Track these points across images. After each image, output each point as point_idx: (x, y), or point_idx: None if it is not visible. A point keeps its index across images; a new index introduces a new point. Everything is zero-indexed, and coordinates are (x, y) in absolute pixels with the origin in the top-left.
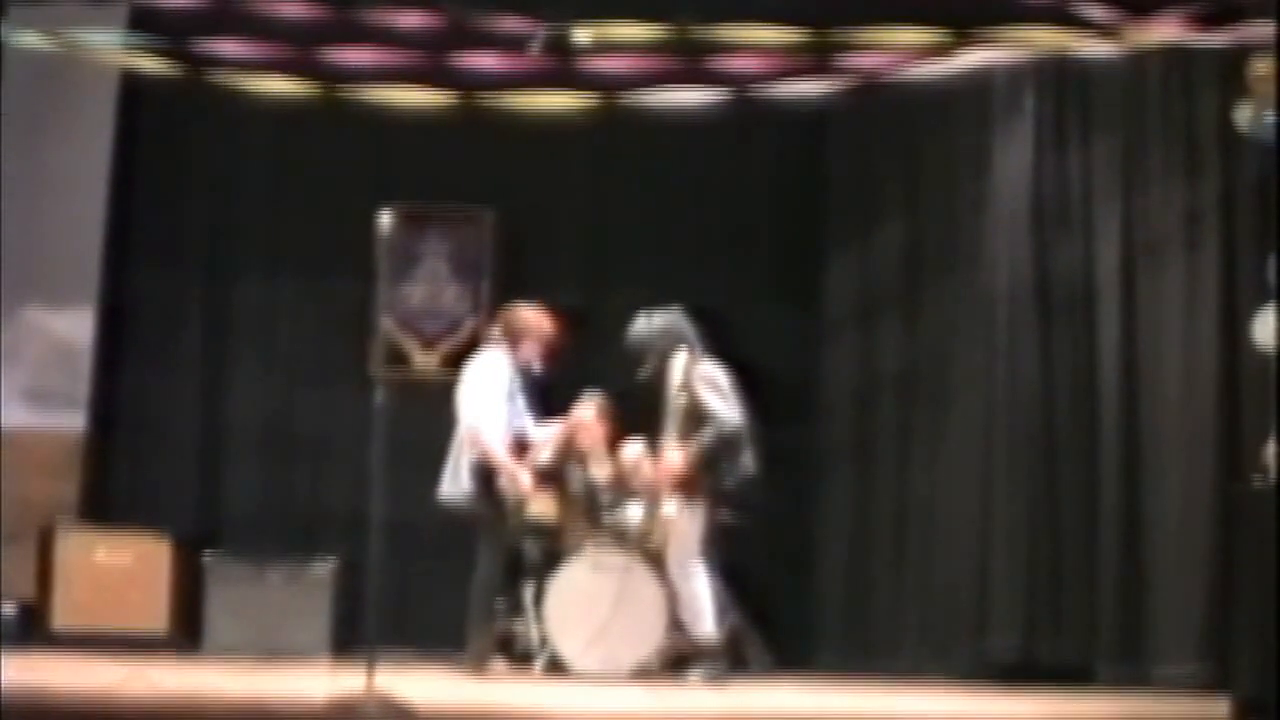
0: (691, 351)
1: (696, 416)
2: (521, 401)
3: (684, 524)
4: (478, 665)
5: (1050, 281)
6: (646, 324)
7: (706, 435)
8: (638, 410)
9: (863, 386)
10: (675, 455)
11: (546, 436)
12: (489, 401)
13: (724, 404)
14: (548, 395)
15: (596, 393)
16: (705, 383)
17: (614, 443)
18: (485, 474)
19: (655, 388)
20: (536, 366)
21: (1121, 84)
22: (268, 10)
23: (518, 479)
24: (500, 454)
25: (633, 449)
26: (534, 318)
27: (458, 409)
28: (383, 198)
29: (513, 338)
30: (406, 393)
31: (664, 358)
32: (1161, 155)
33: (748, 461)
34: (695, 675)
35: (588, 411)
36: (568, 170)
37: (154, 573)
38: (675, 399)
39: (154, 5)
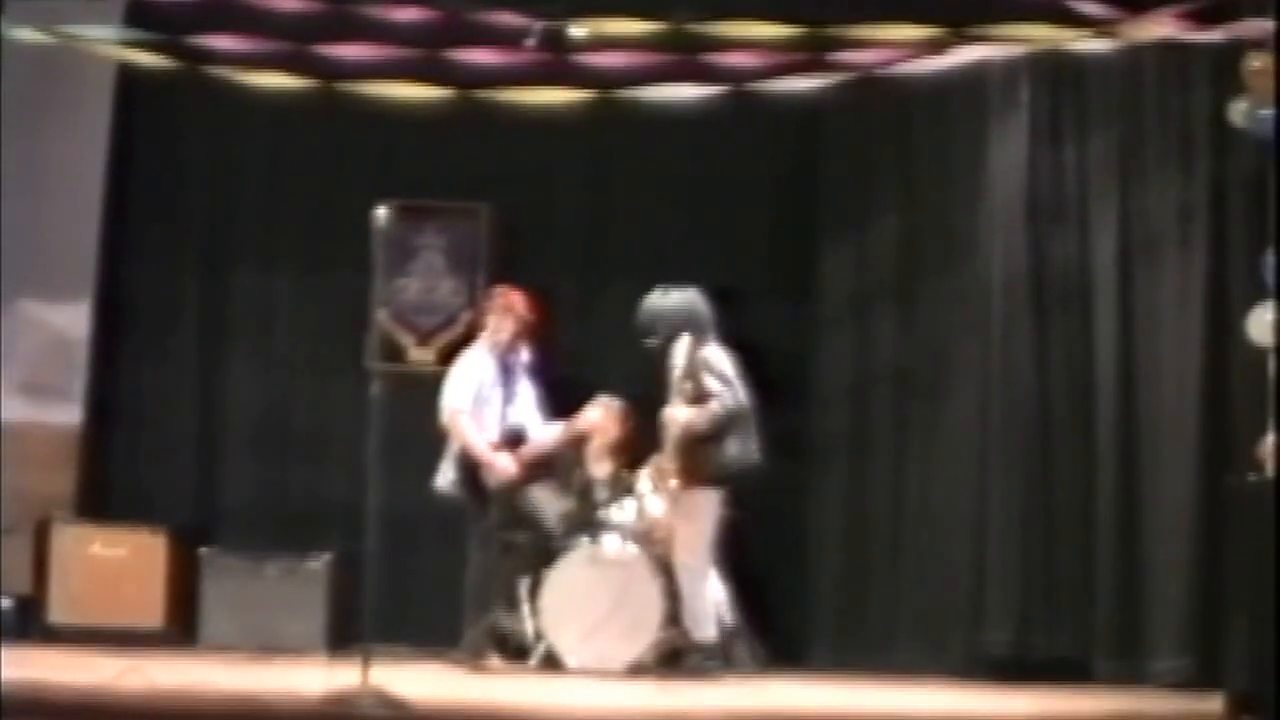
0: (700, 335)
1: (700, 400)
2: (525, 397)
3: (693, 521)
4: (473, 659)
5: (1045, 276)
6: (661, 299)
7: (706, 414)
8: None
9: (857, 380)
10: (681, 411)
11: (553, 433)
12: (463, 391)
13: (725, 387)
14: (556, 394)
15: (613, 399)
16: (708, 367)
17: (625, 448)
18: (469, 465)
19: (660, 366)
20: (524, 355)
21: (1117, 79)
22: (264, 4)
23: (496, 466)
24: (476, 442)
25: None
26: (498, 294)
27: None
28: (379, 192)
29: (481, 321)
30: (402, 387)
31: (672, 334)
32: (1157, 150)
33: (751, 448)
34: (691, 665)
35: (599, 412)
36: (564, 165)
37: (150, 567)
38: (680, 384)
39: None
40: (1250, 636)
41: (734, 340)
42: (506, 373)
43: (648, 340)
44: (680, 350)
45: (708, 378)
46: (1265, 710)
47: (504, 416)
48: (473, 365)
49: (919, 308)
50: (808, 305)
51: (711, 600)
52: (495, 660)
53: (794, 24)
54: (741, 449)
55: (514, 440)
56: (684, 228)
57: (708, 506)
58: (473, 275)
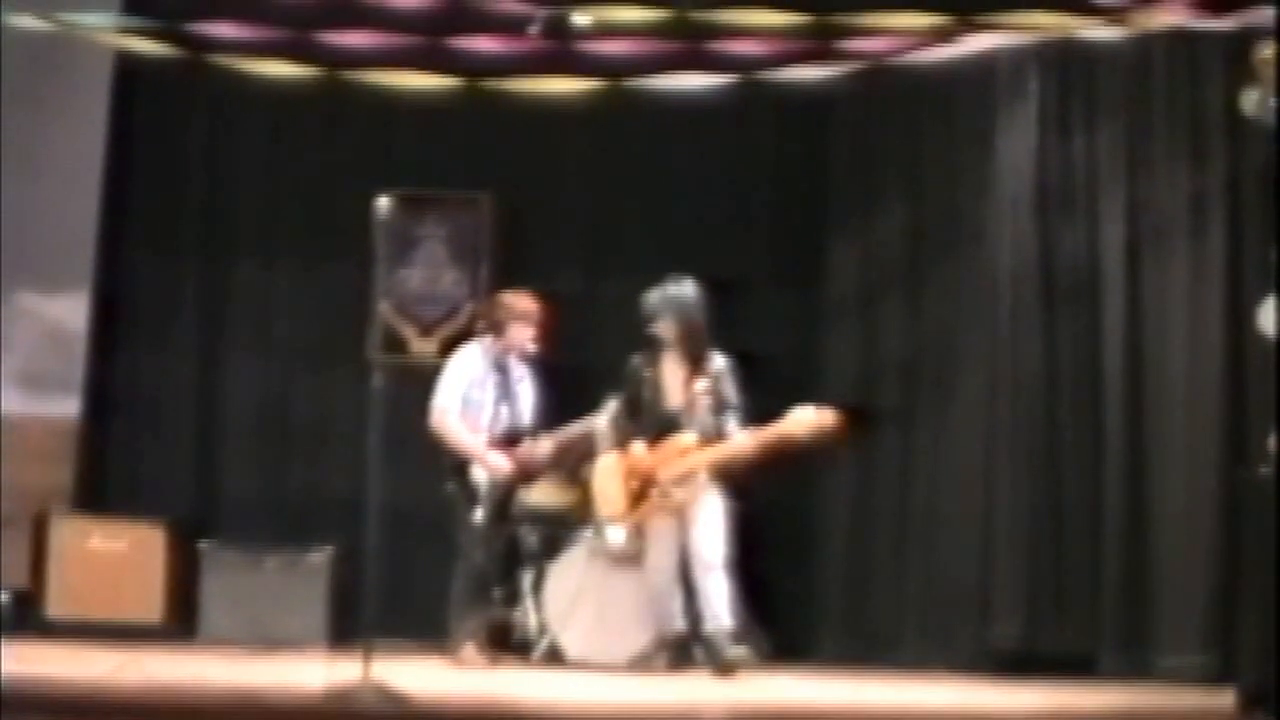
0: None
1: (719, 408)
2: (524, 397)
3: (713, 517)
4: (457, 654)
5: (1054, 266)
6: (679, 289)
7: (732, 422)
8: None
9: (865, 371)
10: (745, 438)
11: (556, 437)
12: (451, 391)
13: (737, 400)
14: (558, 386)
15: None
16: (725, 375)
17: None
18: (457, 462)
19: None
20: (530, 347)
21: (1126, 68)
22: None
23: (489, 463)
24: (467, 440)
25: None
26: (514, 300)
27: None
28: (381, 181)
29: (497, 326)
30: (404, 379)
31: (688, 327)
32: (1166, 140)
33: None
34: (734, 653)
35: (605, 420)
36: (568, 154)
37: (149, 560)
38: (697, 395)
39: None
40: (1261, 631)
41: (740, 331)
42: (501, 371)
43: (654, 326)
44: (715, 361)
45: (726, 385)
46: (1275, 706)
47: (498, 415)
48: (462, 364)
49: (927, 298)
50: (814, 295)
51: (727, 594)
52: (475, 655)
53: (801, 12)
54: None
55: (510, 439)
56: (690, 218)
57: (723, 503)
58: (475, 266)
